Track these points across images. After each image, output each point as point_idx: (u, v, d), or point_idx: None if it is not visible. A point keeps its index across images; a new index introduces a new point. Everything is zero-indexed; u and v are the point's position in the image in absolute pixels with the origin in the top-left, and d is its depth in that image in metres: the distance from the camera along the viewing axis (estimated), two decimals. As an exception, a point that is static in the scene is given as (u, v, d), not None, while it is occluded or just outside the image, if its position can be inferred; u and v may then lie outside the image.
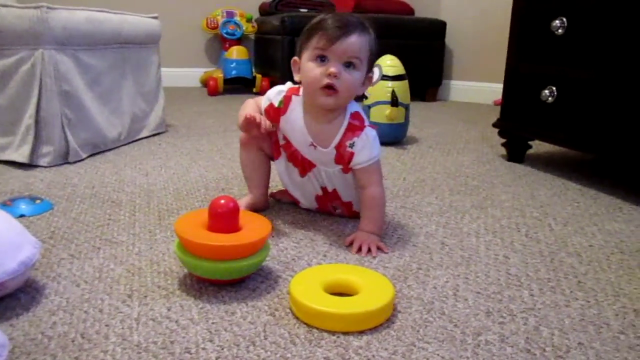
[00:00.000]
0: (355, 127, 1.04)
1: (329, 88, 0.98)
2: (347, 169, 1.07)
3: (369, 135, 1.04)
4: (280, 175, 1.17)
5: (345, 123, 1.04)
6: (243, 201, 1.16)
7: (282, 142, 1.12)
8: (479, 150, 1.92)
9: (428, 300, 0.83)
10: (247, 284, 0.86)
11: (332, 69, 0.97)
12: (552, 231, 1.15)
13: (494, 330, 0.76)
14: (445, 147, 1.96)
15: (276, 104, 1.08)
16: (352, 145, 1.03)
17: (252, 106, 1.10)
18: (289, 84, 1.11)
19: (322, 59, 0.98)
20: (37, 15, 1.47)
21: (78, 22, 1.59)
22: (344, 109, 1.05)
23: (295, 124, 1.07)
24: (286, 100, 1.08)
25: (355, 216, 1.14)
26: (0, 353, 0.54)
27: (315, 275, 0.83)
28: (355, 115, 1.06)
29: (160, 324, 0.74)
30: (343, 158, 1.05)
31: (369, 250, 0.99)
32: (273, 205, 1.25)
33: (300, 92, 1.07)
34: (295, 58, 1.05)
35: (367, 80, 1.04)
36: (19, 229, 0.81)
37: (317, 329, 0.74)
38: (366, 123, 1.06)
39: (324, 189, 1.13)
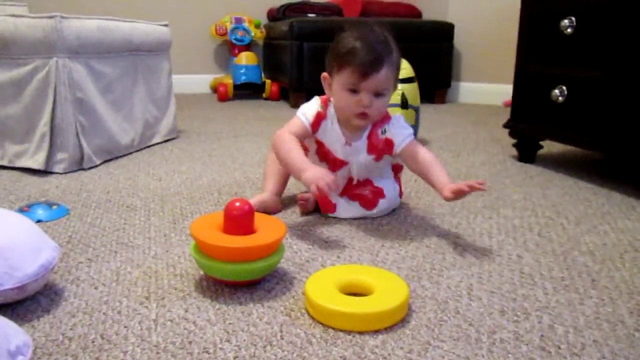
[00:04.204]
0: (383, 118, 1.15)
1: (362, 114, 1.08)
2: (379, 157, 1.15)
3: (398, 118, 1.17)
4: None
5: None
6: (255, 199, 1.17)
7: (314, 147, 1.19)
8: (489, 151, 1.92)
9: (442, 299, 0.84)
10: (263, 285, 0.87)
11: (365, 101, 1.07)
12: (564, 230, 1.15)
13: (509, 329, 0.76)
14: (455, 149, 1.96)
15: (311, 119, 1.14)
16: (384, 132, 1.14)
17: (293, 143, 1.10)
18: (316, 99, 1.18)
19: (354, 90, 1.07)
20: (51, 25, 1.50)
21: (90, 31, 1.61)
22: None
23: (331, 131, 1.15)
24: (324, 105, 1.16)
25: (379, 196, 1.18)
26: (24, 353, 0.56)
27: (330, 276, 0.84)
28: None
29: (178, 324, 0.75)
30: (376, 147, 1.14)
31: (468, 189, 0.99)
32: (286, 208, 1.26)
33: (330, 106, 1.16)
34: (325, 75, 1.14)
35: (393, 88, 1.13)
36: (38, 233, 0.83)
37: (333, 328, 0.75)
38: (390, 114, 1.18)
39: (351, 180, 1.18)
